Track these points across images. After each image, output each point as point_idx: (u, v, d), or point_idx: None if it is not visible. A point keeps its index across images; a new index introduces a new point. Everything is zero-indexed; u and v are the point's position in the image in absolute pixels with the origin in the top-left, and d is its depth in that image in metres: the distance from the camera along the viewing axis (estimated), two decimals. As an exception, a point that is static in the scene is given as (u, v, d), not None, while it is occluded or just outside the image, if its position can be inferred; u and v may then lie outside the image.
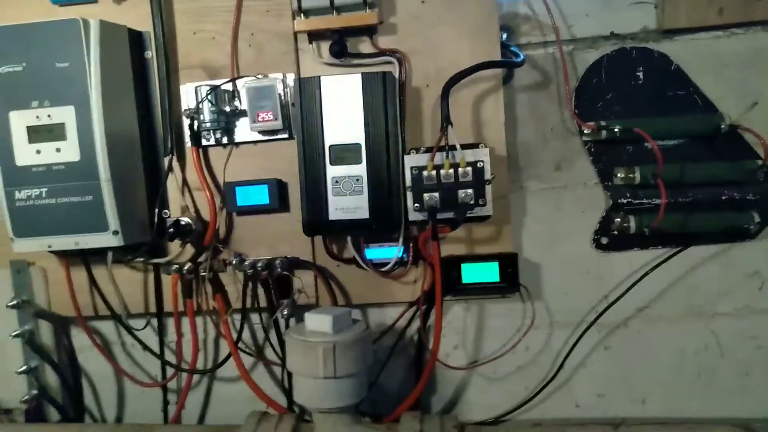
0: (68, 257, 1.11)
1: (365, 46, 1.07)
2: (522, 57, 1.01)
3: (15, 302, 1.12)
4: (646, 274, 1.04)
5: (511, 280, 1.04)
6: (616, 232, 1.07)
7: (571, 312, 1.11)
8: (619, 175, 1.06)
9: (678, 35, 1.06)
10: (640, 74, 1.06)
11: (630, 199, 1.06)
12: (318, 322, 0.95)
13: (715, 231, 1.03)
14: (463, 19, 1.04)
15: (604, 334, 1.10)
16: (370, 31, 1.06)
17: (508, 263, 1.04)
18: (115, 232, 1.00)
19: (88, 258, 1.11)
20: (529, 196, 1.10)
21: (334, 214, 1.00)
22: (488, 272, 1.05)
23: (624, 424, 1.01)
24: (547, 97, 1.09)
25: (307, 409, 0.98)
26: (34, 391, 1.15)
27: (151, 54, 1.10)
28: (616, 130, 1.01)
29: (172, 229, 1.04)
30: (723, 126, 1.00)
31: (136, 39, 1.09)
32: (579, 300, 1.11)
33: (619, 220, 1.06)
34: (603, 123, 1.03)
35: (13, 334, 1.12)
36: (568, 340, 1.12)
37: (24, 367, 1.14)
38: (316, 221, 1.01)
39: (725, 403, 1.10)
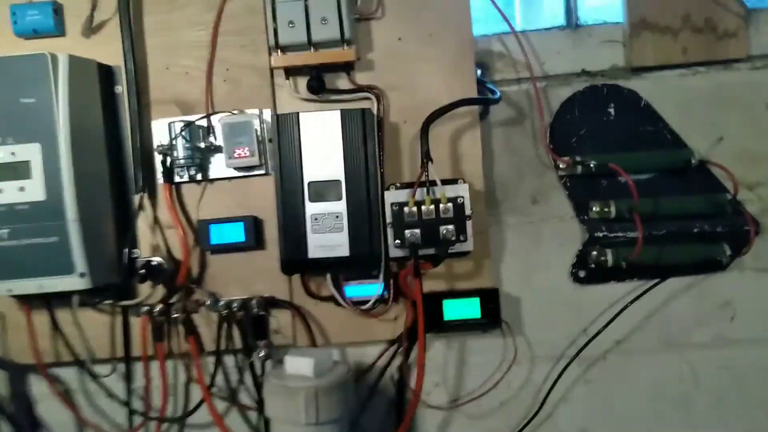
0: (29, 301, 1.05)
1: (343, 82, 1.06)
2: (498, 94, 1.02)
3: (-31, 350, 1.05)
4: (625, 308, 1.06)
5: (493, 315, 1.04)
6: (593, 265, 1.09)
7: (551, 345, 1.11)
8: (594, 209, 1.07)
9: (645, 73, 1.09)
10: (612, 110, 1.09)
11: (606, 233, 1.08)
12: (298, 365, 0.92)
13: (688, 263, 1.06)
14: (440, 55, 1.05)
15: (584, 367, 1.11)
16: (347, 67, 1.05)
17: (489, 299, 1.04)
18: (82, 274, 0.95)
19: (51, 302, 1.05)
20: (507, 230, 1.11)
21: (313, 252, 0.98)
22: (470, 308, 1.04)
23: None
24: (521, 132, 1.11)
25: (287, 456, 0.94)
26: (-12, 447, 1.07)
27: (121, 89, 1.07)
28: (591, 165, 1.03)
29: (143, 270, 1.00)
30: (693, 161, 1.03)
31: (106, 73, 1.06)
32: (558, 333, 1.11)
33: (595, 253, 1.08)
34: (578, 158, 1.05)
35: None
36: (549, 374, 1.11)
37: (-23, 421, 1.07)
38: (295, 259, 0.98)
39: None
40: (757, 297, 1.09)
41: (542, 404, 1.09)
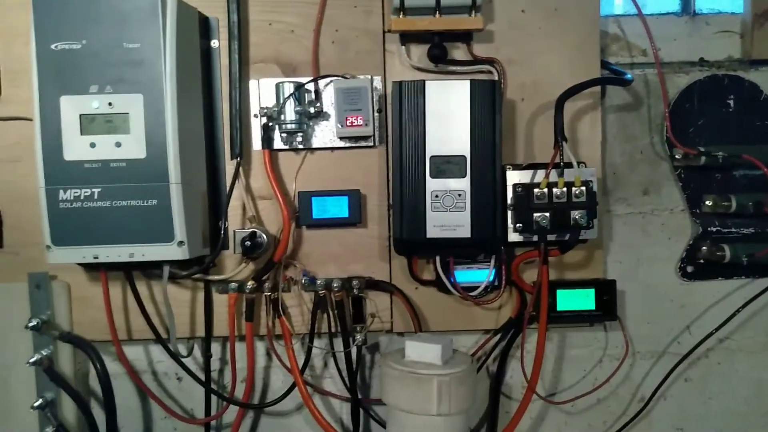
0: (107, 271, 0.95)
1: (459, 52, 1.00)
2: (629, 76, 0.97)
3: (34, 323, 0.94)
4: (743, 307, 1.02)
5: (608, 308, 0.99)
6: (702, 261, 1.05)
7: (653, 341, 1.08)
8: (707, 202, 1.04)
9: (764, 66, 1.06)
10: (731, 102, 1.05)
11: (719, 228, 1.04)
12: (423, 351, 0.85)
13: (806, 262, 1.03)
14: (564, 32, 0.99)
15: (686, 365, 1.07)
16: (467, 37, 0.99)
17: (605, 290, 0.99)
18: (181, 243, 0.86)
19: (131, 273, 0.95)
20: (616, 220, 1.06)
21: (431, 232, 0.91)
22: (584, 299, 0.99)
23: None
24: (637, 119, 1.06)
25: (407, 450, 0.87)
26: (49, 430, 0.96)
27: (217, 43, 0.97)
28: (719, 156, 0.99)
29: (248, 243, 0.91)
30: (818, 157, 1.01)
31: (203, 25, 0.96)
32: (661, 329, 1.08)
33: (705, 248, 1.04)
34: (702, 148, 1.01)
35: (31, 361, 0.93)
36: (650, 371, 1.08)
37: (39, 401, 0.96)
38: (412, 239, 0.91)
39: (799, 436, 1.09)
40: None
41: (647, 403, 1.05)
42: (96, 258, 0.86)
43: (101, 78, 0.84)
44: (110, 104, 0.84)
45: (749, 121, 1.05)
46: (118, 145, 0.85)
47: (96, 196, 0.85)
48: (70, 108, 0.84)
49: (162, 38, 0.83)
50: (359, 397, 1.01)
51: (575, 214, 0.90)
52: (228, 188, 0.96)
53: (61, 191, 0.85)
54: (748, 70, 1.06)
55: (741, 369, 1.08)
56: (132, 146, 0.85)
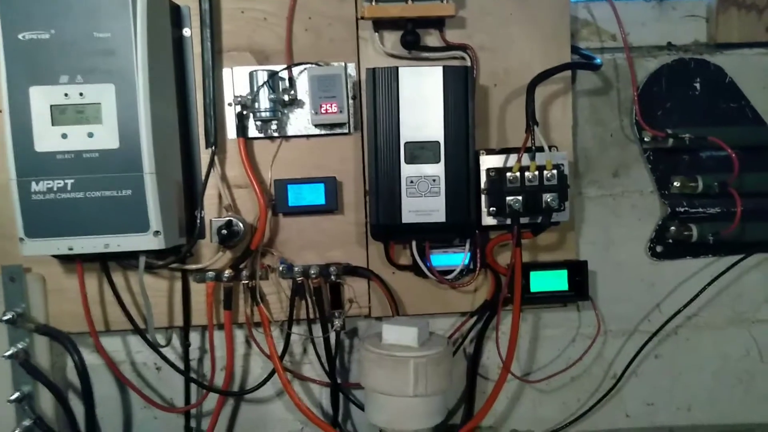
0: (82, 262, 0.94)
1: (431, 39, 1.00)
2: (599, 60, 0.99)
3: (9, 316, 0.93)
4: (709, 284, 1.05)
5: (580, 288, 1.02)
6: (670, 241, 1.08)
7: (624, 320, 1.11)
8: (675, 183, 1.07)
9: (728, 49, 1.09)
10: (697, 85, 1.07)
11: (687, 208, 1.07)
12: (399, 334, 0.87)
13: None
14: (535, 18, 1.01)
15: (656, 342, 1.10)
16: (439, 23, 0.99)
17: (577, 271, 1.02)
18: (157, 233, 0.86)
19: (107, 264, 0.95)
20: (587, 202, 1.09)
21: (407, 217, 0.92)
22: (557, 280, 1.01)
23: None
24: (607, 103, 1.08)
25: (385, 430, 0.88)
26: (27, 423, 0.96)
27: (189, 32, 0.97)
28: (686, 138, 1.01)
29: (224, 231, 0.91)
30: (782, 138, 1.04)
31: (175, 13, 0.95)
32: (632, 308, 1.10)
33: (674, 228, 1.07)
34: (669, 131, 1.03)
35: (6, 354, 0.93)
36: (621, 349, 1.11)
37: (17, 394, 0.95)
38: (388, 224, 0.93)
39: (763, 408, 1.13)
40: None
41: (619, 379, 1.09)
42: (71, 249, 0.86)
43: (71, 68, 0.83)
44: (81, 94, 0.83)
45: (714, 103, 1.08)
46: (91, 135, 0.84)
47: (69, 188, 0.84)
48: (40, 99, 0.83)
49: (132, 27, 0.83)
50: (338, 381, 1.03)
51: (547, 197, 0.92)
52: (203, 177, 0.96)
53: (33, 183, 0.84)
54: (714, 54, 1.09)
55: (708, 344, 1.12)
56: (104, 136, 0.84)
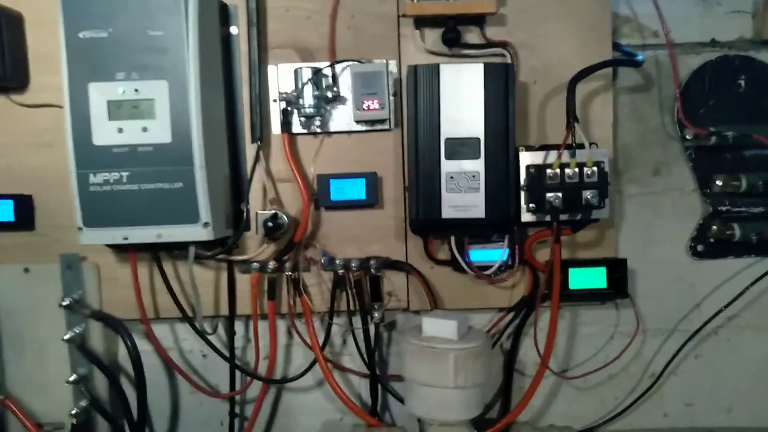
0: (135, 252, 0.99)
1: (472, 36, 1.02)
2: (641, 57, 0.99)
3: (67, 302, 0.98)
4: (752, 284, 1.04)
5: (619, 286, 1.02)
6: (712, 240, 1.07)
7: (664, 319, 1.10)
8: (718, 182, 1.06)
9: (774, 46, 1.07)
10: (742, 82, 1.06)
11: (729, 207, 1.06)
12: (440, 327, 0.88)
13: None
14: (575, 14, 1.01)
15: (696, 342, 1.09)
16: (479, 20, 1.00)
17: (616, 269, 1.02)
18: (206, 224, 0.89)
19: (158, 253, 0.99)
20: (627, 200, 1.08)
21: (447, 212, 0.94)
22: (596, 278, 1.02)
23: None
24: (648, 99, 1.08)
25: (424, 420, 0.90)
26: (83, 403, 1.01)
27: (237, 30, 1.00)
28: (729, 135, 1.00)
29: (270, 224, 0.95)
30: (829, 138, 1.02)
31: (223, 12, 0.99)
32: (671, 307, 1.10)
33: (715, 227, 1.06)
34: (712, 129, 1.02)
35: (65, 338, 0.98)
36: (660, 348, 1.10)
37: (74, 376, 1.00)
38: (427, 219, 0.94)
39: (806, 411, 1.12)
40: None
41: (658, 378, 1.08)
42: (126, 239, 0.90)
43: (127, 65, 0.87)
44: (136, 90, 0.87)
45: (760, 101, 1.06)
46: (145, 130, 0.88)
47: (124, 180, 0.88)
48: (98, 95, 0.87)
49: (185, 26, 0.86)
50: (377, 372, 1.05)
51: (587, 194, 0.92)
52: (249, 171, 0.99)
53: (91, 175, 0.88)
54: (760, 50, 1.07)
55: (749, 346, 1.10)
56: (158, 131, 0.88)
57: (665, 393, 1.11)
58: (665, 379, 1.10)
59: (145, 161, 0.88)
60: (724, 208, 1.06)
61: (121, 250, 1.01)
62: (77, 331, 1.00)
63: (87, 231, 0.90)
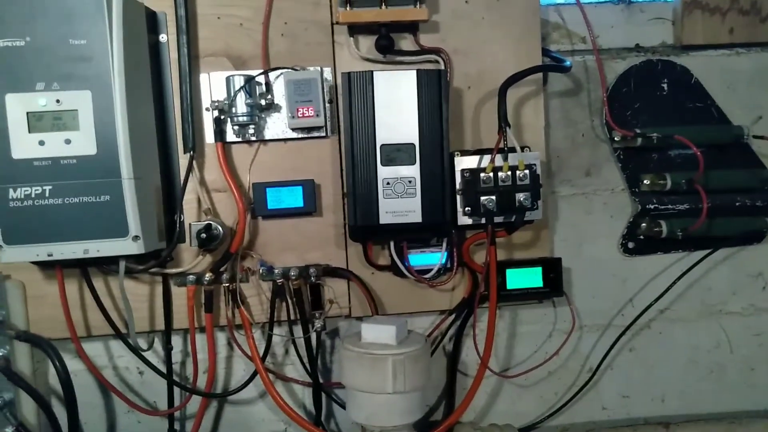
0: (62, 268, 0.95)
1: (406, 43, 1.02)
2: (569, 62, 1.02)
3: (-10, 323, 0.94)
4: (678, 278, 1.08)
5: (555, 285, 1.04)
6: (642, 237, 1.11)
7: (599, 315, 1.14)
8: (645, 181, 1.10)
9: (694, 51, 1.12)
10: (665, 86, 1.11)
11: (657, 205, 1.10)
12: (378, 333, 0.89)
13: (735, 235, 1.10)
14: (506, 21, 1.03)
15: (629, 336, 1.13)
16: (413, 27, 1.01)
17: (552, 268, 1.04)
18: (136, 237, 0.87)
19: (86, 269, 0.95)
20: (561, 201, 1.11)
21: (384, 218, 0.94)
22: (532, 278, 1.04)
23: (673, 423, 1.04)
24: (578, 103, 1.11)
25: (366, 427, 0.90)
26: (9, 430, 0.96)
27: (166, 38, 0.98)
28: (653, 137, 1.04)
29: (204, 235, 0.92)
30: (745, 137, 1.08)
31: (151, 19, 0.96)
32: (606, 303, 1.14)
33: (645, 225, 1.10)
34: (638, 130, 1.06)
35: (-13, 361, 0.93)
36: (596, 343, 1.14)
37: (-2, 401, 0.95)
38: (366, 226, 0.94)
39: (733, 397, 1.17)
40: (787, 268, 1.15)
41: (594, 372, 1.11)
42: (50, 255, 0.86)
43: (48, 75, 0.83)
44: (58, 101, 0.84)
45: (681, 103, 1.11)
46: (68, 142, 0.84)
47: (47, 194, 0.85)
48: (17, 106, 0.83)
49: (108, 34, 0.83)
50: (320, 381, 1.04)
51: (520, 197, 0.94)
52: (182, 182, 0.97)
53: (11, 190, 0.84)
54: (680, 55, 1.12)
55: (680, 337, 1.15)
56: (82, 143, 0.85)
57: (603, 386, 1.15)
58: (602, 373, 1.14)
59: (68, 174, 0.85)
60: (651, 206, 1.10)
61: (47, 266, 0.97)
62: (1, 354, 0.95)
63: (8, 249, 0.85)
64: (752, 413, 1.16)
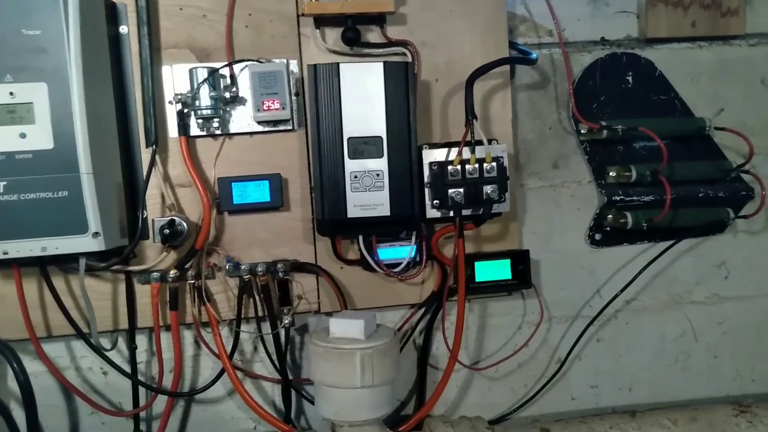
0: (20, 267, 0.92)
1: (373, 35, 1.02)
2: (535, 55, 1.02)
3: (-57, 325, 0.90)
4: (643, 269, 1.10)
5: (523, 277, 1.05)
6: (608, 228, 1.13)
7: (567, 306, 1.15)
8: (611, 173, 1.11)
9: (658, 44, 1.14)
10: (630, 78, 1.12)
11: (622, 197, 1.11)
12: (346, 327, 0.88)
13: (698, 225, 1.11)
14: (474, 13, 1.03)
15: (597, 326, 1.15)
16: (380, 19, 1.01)
17: (520, 260, 1.05)
18: (96, 234, 0.84)
19: (45, 267, 0.92)
20: (528, 193, 1.12)
21: (352, 212, 0.93)
22: (500, 270, 1.04)
23: (639, 411, 1.05)
24: (545, 96, 1.12)
25: (335, 423, 0.89)
26: (-34, 435, 0.93)
27: (126, 29, 0.95)
28: (618, 129, 1.05)
29: (167, 230, 0.90)
30: (707, 129, 1.09)
31: (110, 11, 0.93)
32: (574, 294, 1.15)
33: (611, 216, 1.11)
34: (604, 123, 1.07)
35: (-59, 365, 0.90)
36: (565, 334, 1.15)
37: (-47, 406, 0.92)
38: (334, 220, 0.93)
39: (698, 384, 1.19)
40: (748, 257, 1.18)
41: (563, 363, 1.12)
42: (5, 254, 0.83)
43: (1, 66, 0.81)
44: (11, 94, 0.81)
45: (646, 96, 1.13)
46: (23, 136, 0.82)
47: (2, 190, 0.82)
48: (-32, 99, 0.81)
49: (64, 24, 0.81)
50: (290, 377, 1.03)
51: (488, 189, 0.94)
52: (145, 177, 0.95)
53: (-37, 186, 0.81)
54: (644, 48, 1.13)
55: (647, 326, 1.17)
56: (38, 137, 0.82)
57: (571, 377, 1.16)
58: (571, 363, 1.15)
59: (24, 169, 0.82)
60: (617, 198, 1.12)
61: (4, 265, 0.93)
62: (-44, 357, 0.91)
63: (-39, 247, 0.83)
64: (715, 399, 1.19)
